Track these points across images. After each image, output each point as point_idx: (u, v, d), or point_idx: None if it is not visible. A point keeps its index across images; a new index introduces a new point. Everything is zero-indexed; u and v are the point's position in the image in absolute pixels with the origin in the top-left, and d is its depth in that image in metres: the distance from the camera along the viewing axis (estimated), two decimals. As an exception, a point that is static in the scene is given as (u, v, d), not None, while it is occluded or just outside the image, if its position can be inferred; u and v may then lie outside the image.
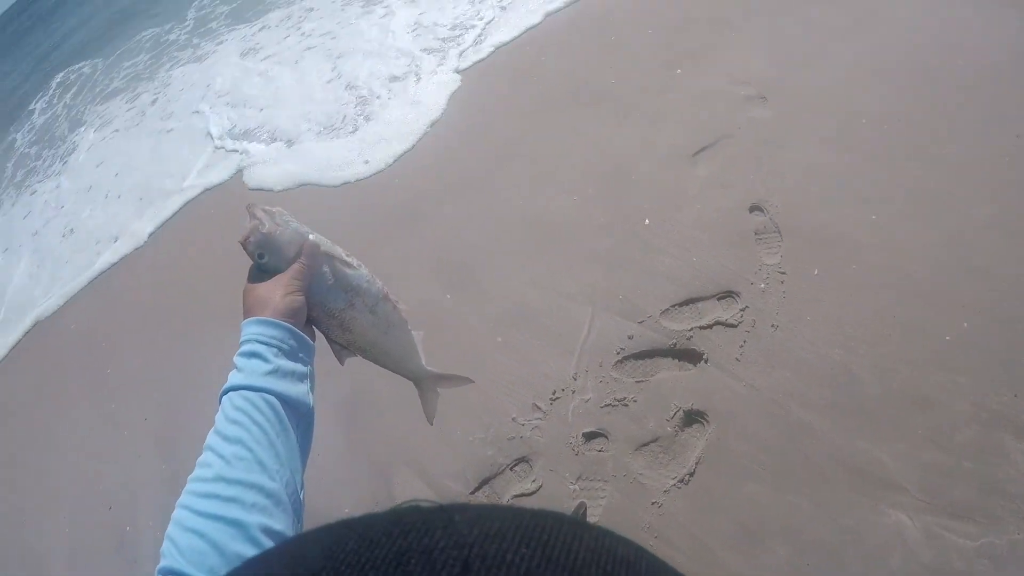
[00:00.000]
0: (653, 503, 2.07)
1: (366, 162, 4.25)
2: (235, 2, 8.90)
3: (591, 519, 2.06)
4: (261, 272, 0.89)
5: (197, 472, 0.70)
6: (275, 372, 0.79)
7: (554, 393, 2.36)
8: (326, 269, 0.92)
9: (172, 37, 9.32)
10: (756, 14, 4.14)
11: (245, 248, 0.87)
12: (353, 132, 4.73)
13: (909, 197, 2.74)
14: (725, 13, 4.25)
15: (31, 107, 10.57)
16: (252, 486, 0.67)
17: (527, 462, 2.19)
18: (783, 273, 2.61)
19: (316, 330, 0.94)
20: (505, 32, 4.95)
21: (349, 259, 0.96)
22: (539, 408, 2.32)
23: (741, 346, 2.43)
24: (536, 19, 4.90)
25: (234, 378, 0.79)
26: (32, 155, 8.32)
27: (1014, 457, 1.93)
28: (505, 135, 3.94)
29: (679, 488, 2.09)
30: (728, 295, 2.61)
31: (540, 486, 2.13)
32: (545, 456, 2.20)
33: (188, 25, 9.34)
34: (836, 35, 3.78)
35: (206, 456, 0.71)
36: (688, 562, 1.95)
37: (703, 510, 2.03)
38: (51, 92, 10.64)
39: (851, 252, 2.61)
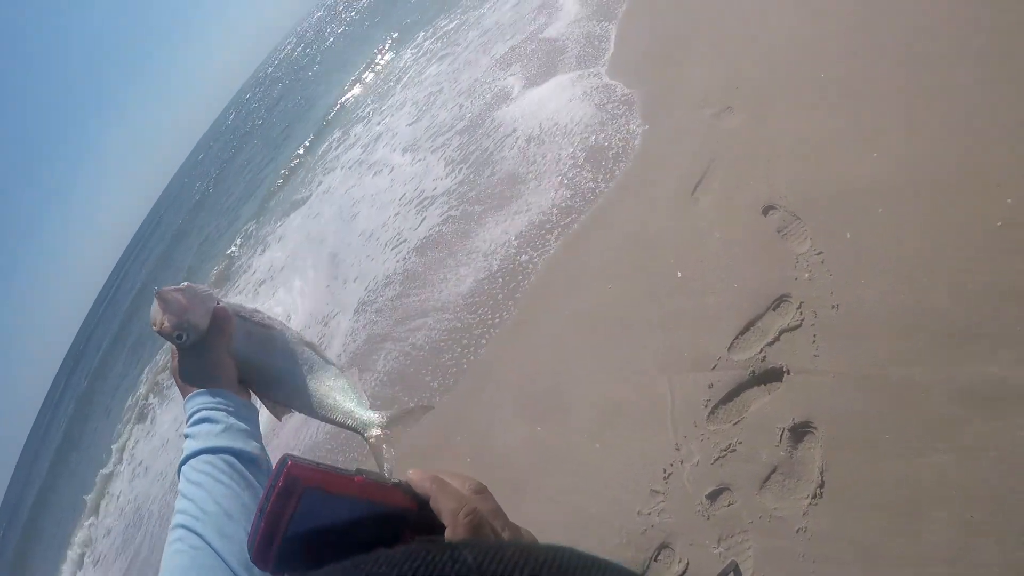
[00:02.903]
0: (798, 530, 2.02)
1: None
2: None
3: (747, 574, 2.05)
4: (184, 351, 0.92)
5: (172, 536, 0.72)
6: (228, 430, 0.82)
7: (665, 471, 2.42)
8: (241, 328, 0.96)
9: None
10: (685, 42, 4.41)
11: (162, 335, 0.89)
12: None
13: (894, 116, 2.74)
14: (657, 51, 4.56)
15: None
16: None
17: (668, 547, 2.22)
18: (820, 253, 2.61)
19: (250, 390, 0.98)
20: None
21: (260, 313, 1.00)
22: (658, 492, 2.38)
23: (813, 341, 2.41)
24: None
25: (189, 446, 0.81)
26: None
27: None
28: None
29: (815, 505, 2.03)
30: (781, 301, 2.62)
31: (687, 564, 2.15)
32: (681, 534, 2.22)
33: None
34: (759, 15, 3.93)
35: (178, 519, 0.73)
36: (863, 571, 1.87)
37: (848, 514, 1.95)
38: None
39: (870, 197, 2.59)
